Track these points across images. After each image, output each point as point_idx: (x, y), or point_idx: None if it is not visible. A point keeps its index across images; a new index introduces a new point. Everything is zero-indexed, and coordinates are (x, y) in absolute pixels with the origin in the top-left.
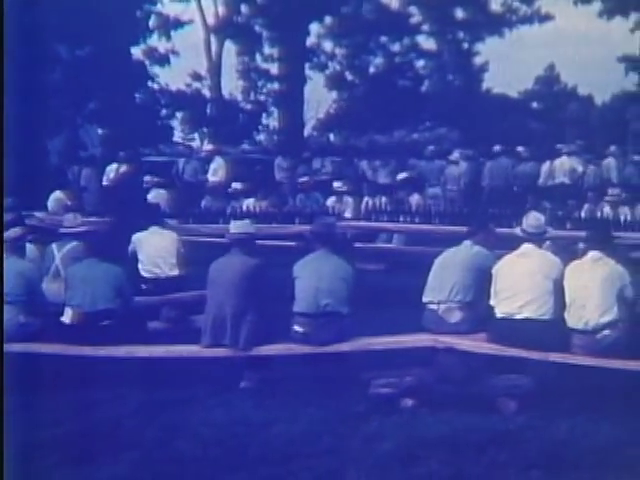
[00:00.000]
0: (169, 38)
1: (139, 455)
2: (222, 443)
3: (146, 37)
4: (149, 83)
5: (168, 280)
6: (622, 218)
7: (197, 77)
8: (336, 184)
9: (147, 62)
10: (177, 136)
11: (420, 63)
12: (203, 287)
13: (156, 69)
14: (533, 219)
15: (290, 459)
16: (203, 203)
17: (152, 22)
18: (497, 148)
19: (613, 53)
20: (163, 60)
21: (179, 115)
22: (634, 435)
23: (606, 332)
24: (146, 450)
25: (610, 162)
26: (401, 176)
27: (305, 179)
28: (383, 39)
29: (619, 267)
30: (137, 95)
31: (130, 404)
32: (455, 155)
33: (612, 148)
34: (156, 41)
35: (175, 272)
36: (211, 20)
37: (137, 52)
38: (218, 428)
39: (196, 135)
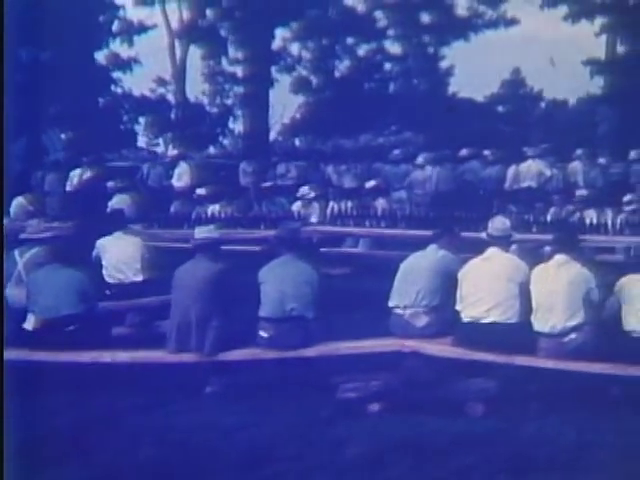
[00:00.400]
0: (132, 43)
1: (104, 461)
2: (188, 449)
3: (109, 42)
4: (113, 88)
5: (132, 285)
6: (588, 221)
7: (161, 82)
8: (302, 189)
9: (110, 67)
10: (141, 141)
11: (386, 67)
12: (168, 292)
13: (119, 74)
14: (499, 223)
15: (257, 464)
16: (168, 208)
17: (116, 27)
18: (463, 152)
19: (579, 57)
20: (126, 65)
21: (143, 120)
22: (600, 437)
23: (572, 335)
24: (111, 456)
25: (576, 165)
26: (369, 184)
27: (269, 184)
28: (349, 43)
29: (585, 270)
30: (101, 100)
31: (95, 410)
32: (420, 159)
33: (578, 151)
34: (119, 46)
35: (139, 277)
36: (175, 24)
37: (100, 57)
38: (184, 434)
39: (160, 140)
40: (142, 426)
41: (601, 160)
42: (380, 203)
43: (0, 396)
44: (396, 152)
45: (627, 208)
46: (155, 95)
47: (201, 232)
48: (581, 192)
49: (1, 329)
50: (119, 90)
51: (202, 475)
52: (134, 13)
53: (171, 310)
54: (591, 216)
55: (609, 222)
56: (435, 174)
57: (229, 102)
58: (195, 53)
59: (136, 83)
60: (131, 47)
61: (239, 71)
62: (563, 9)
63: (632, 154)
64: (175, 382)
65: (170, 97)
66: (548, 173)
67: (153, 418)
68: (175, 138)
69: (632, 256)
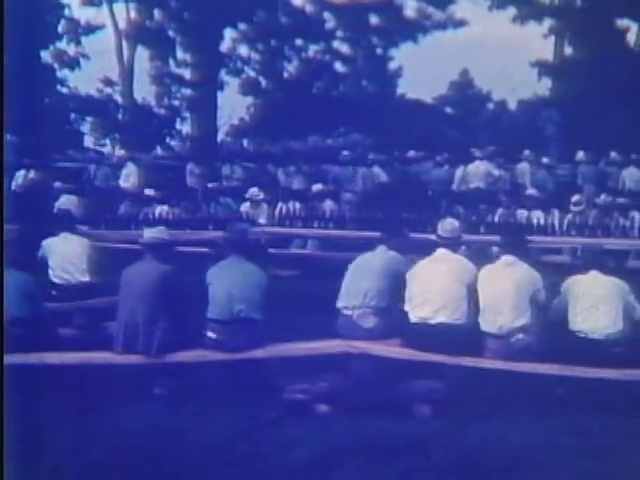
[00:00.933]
0: (79, 43)
1: (51, 464)
2: (135, 451)
3: (56, 41)
4: (59, 87)
5: (79, 286)
6: (535, 222)
7: (109, 82)
8: (250, 190)
9: (57, 66)
10: (88, 141)
11: (334, 68)
12: (115, 293)
13: (66, 73)
14: (448, 224)
15: (204, 466)
16: (115, 209)
17: (62, 26)
18: (411, 153)
19: (527, 58)
20: (73, 64)
21: (90, 120)
22: (546, 438)
23: (519, 336)
24: (58, 459)
25: (524, 167)
26: (316, 188)
27: (214, 185)
28: (298, 44)
29: (532, 271)
30: (46, 100)
31: (41, 412)
32: (369, 161)
33: (526, 152)
34: (66, 45)
35: (86, 278)
36: (123, 25)
37: (46, 56)
38: (131, 436)
39: (108, 140)
40: (89, 428)
41: (548, 161)
42: (328, 205)
43: None
44: (345, 153)
45: (574, 209)
46: (102, 95)
47: (149, 233)
48: (528, 193)
49: (1, 329)
50: (65, 90)
51: (150, 477)
52: (81, 13)
53: (118, 311)
54: (538, 217)
55: (556, 223)
56: (384, 175)
57: (177, 104)
58: (143, 54)
59: (83, 83)
60: (78, 47)
61: (187, 73)
62: (511, 11)
63: (579, 155)
64: (122, 384)
65: (117, 97)
66: (496, 174)
67: (100, 420)
68: (122, 139)
69: (578, 257)
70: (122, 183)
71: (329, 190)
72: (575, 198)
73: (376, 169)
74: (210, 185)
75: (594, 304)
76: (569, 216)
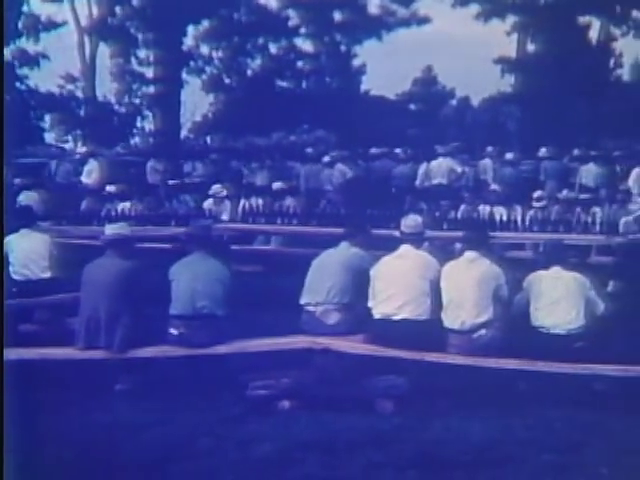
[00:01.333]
0: (39, 39)
1: (13, 460)
2: (98, 446)
3: (15, 38)
4: (18, 84)
5: (40, 282)
6: (498, 218)
7: (70, 79)
8: (213, 187)
9: (17, 63)
10: (49, 138)
11: (298, 65)
12: (77, 289)
13: (26, 70)
14: (411, 220)
15: (167, 461)
16: (77, 205)
17: (22, 23)
18: (375, 149)
19: (490, 55)
20: (33, 61)
21: (51, 116)
22: (507, 433)
23: (482, 332)
24: (20, 454)
25: (487, 163)
26: (276, 186)
27: (173, 182)
28: (261, 41)
29: (494, 267)
30: (6, 97)
31: (3, 408)
32: (332, 157)
33: (489, 149)
34: (26, 42)
35: (47, 274)
36: (85, 21)
37: (6, 53)
38: (94, 431)
39: (69, 137)
40: (49, 424)
41: (511, 157)
42: (291, 201)
43: None
44: (309, 150)
45: (536, 205)
46: (64, 91)
47: (110, 229)
48: (491, 189)
49: (1, 329)
50: (24, 87)
51: (112, 472)
52: (42, 9)
53: (80, 307)
54: (501, 213)
55: (519, 219)
56: (347, 172)
57: (139, 101)
58: (104, 51)
59: (43, 79)
60: (38, 43)
61: (149, 71)
62: (475, 8)
63: (541, 151)
64: (84, 379)
65: (79, 94)
66: (459, 170)
67: (61, 416)
68: (84, 135)
69: (540, 252)
70: (84, 179)
71: (289, 188)
72: (537, 194)
73: (340, 165)
74: (171, 182)
75: (556, 299)
76: (531, 212)
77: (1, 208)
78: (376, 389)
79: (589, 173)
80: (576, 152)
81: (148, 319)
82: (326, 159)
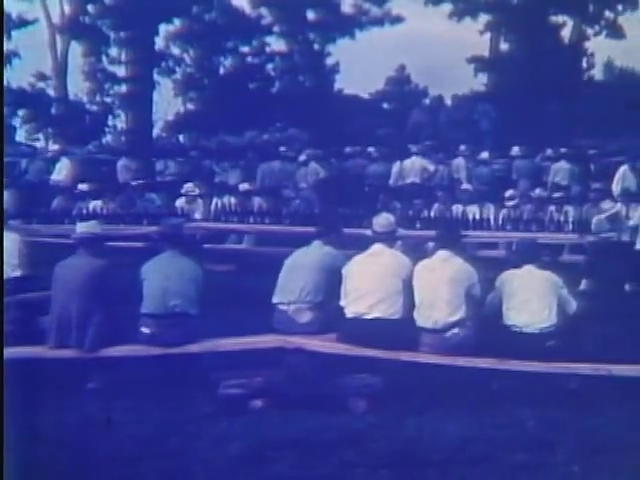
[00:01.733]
0: (11, 37)
1: None
2: (69, 445)
3: None
4: None
5: (10, 281)
6: (471, 217)
7: (41, 77)
8: (186, 186)
9: None
10: (20, 135)
11: (271, 64)
12: (48, 288)
13: None
14: (383, 219)
15: (138, 460)
16: (48, 204)
17: None
18: (348, 148)
19: (463, 54)
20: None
21: (22, 114)
22: (480, 432)
23: (454, 330)
24: None
25: (459, 162)
26: (242, 187)
27: (139, 182)
28: (234, 39)
29: (467, 265)
30: None
31: None
32: (305, 156)
33: (462, 148)
34: None
35: (17, 273)
36: (57, 20)
37: None
38: (65, 430)
39: (40, 135)
40: (20, 423)
41: (484, 156)
42: (260, 200)
43: None
44: (282, 149)
45: (508, 204)
46: (35, 90)
47: (82, 228)
48: (463, 188)
49: (1, 329)
50: None
51: (84, 471)
52: (13, 6)
53: (51, 306)
54: (474, 212)
55: (491, 218)
56: (320, 170)
57: (111, 99)
58: (76, 50)
59: (15, 77)
60: (9, 41)
61: (121, 69)
62: (447, 7)
63: (514, 150)
64: (56, 378)
65: (50, 92)
66: (432, 169)
67: (32, 415)
68: (56, 133)
69: (513, 251)
70: (54, 177)
71: (257, 189)
72: (509, 193)
73: (313, 164)
74: (136, 183)
75: (528, 298)
76: (504, 211)
77: (1, 209)
78: (349, 388)
79: (561, 171)
80: (549, 151)
81: (119, 318)
82: (299, 158)
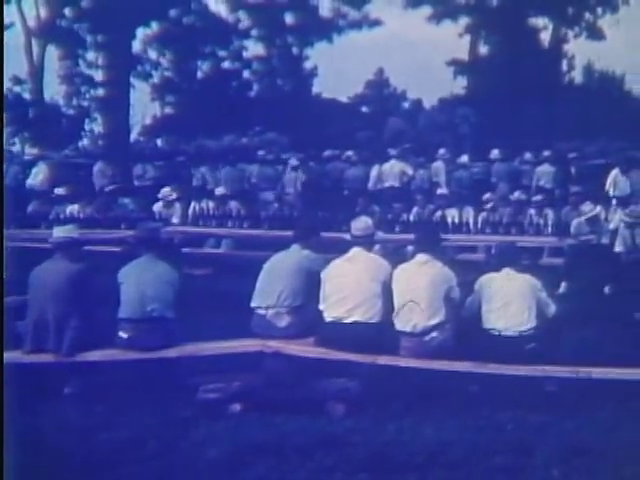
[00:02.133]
0: None
1: None
2: (47, 450)
3: None
4: None
5: None
6: (450, 220)
7: (17, 81)
8: (163, 190)
9: None
10: None
11: (249, 68)
12: (24, 293)
13: None
14: (360, 223)
15: (116, 465)
16: (24, 208)
17: None
18: (327, 152)
19: (442, 57)
20: None
21: None
22: (459, 435)
23: (433, 334)
24: None
25: (439, 165)
26: (218, 192)
27: (113, 187)
28: (212, 43)
29: (446, 269)
30: None
31: None
32: (284, 159)
33: (441, 151)
34: None
35: None
36: (32, 23)
37: None
38: (42, 435)
39: (16, 139)
40: None
41: (463, 160)
42: (237, 204)
43: None
44: (260, 153)
45: (487, 206)
46: (11, 93)
47: (58, 232)
48: (442, 192)
49: (1, 329)
50: None
51: (60, 477)
52: None
53: (28, 310)
54: (453, 215)
55: (471, 221)
56: (300, 175)
57: (87, 103)
58: (53, 53)
59: None
60: None
61: (98, 73)
62: (426, 10)
63: (493, 153)
64: (32, 383)
65: (27, 96)
66: (410, 173)
67: (10, 420)
68: (32, 137)
69: (492, 254)
70: (32, 182)
71: (232, 193)
72: (485, 196)
73: (290, 168)
74: (109, 188)
75: (507, 301)
76: (483, 214)
77: (1, 208)
78: (327, 392)
79: (545, 175)
80: (527, 155)
81: (97, 322)
82: (278, 162)
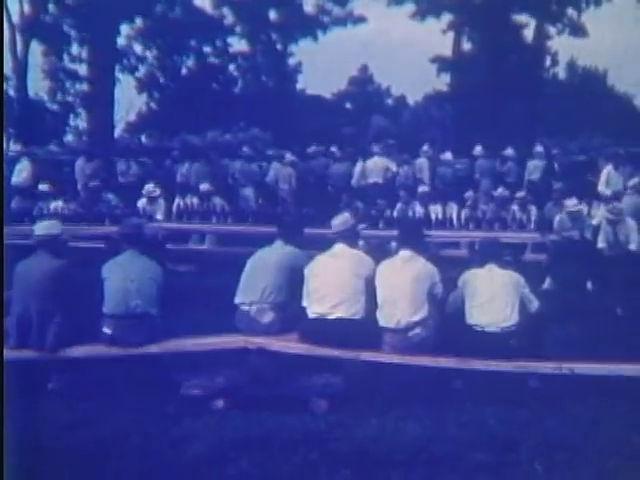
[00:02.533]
0: None
1: None
2: (30, 446)
3: None
4: None
5: None
6: (433, 216)
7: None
8: (147, 186)
9: None
10: None
11: (233, 64)
12: (8, 288)
13: None
14: (341, 218)
15: (99, 460)
16: (7, 204)
17: None
18: (311, 148)
19: (425, 54)
20: None
21: None
22: (442, 431)
23: (417, 330)
24: None
25: (422, 162)
26: (203, 188)
27: (96, 183)
28: (196, 39)
29: (429, 265)
30: None
31: None
32: (269, 156)
33: (425, 147)
34: None
35: None
36: (16, 18)
37: None
38: (25, 431)
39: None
40: None
41: (446, 156)
42: (221, 202)
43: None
44: (244, 149)
45: (469, 203)
46: None
47: (41, 228)
48: (422, 190)
49: (1, 329)
50: None
51: (45, 472)
52: None
53: (11, 306)
54: (436, 211)
55: (454, 217)
56: (288, 170)
57: (72, 99)
58: (37, 48)
59: None
60: None
61: (82, 68)
62: (410, 7)
63: (477, 150)
64: (16, 379)
65: (11, 92)
66: (394, 169)
67: None
68: (16, 133)
69: (476, 250)
70: (15, 178)
71: (217, 189)
72: (469, 193)
73: (275, 164)
74: (93, 183)
75: (490, 297)
76: (466, 210)
77: (1, 208)
78: (311, 388)
79: (537, 169)
80: (510, 150)
81: (80, 318)
82: (262, 158)
